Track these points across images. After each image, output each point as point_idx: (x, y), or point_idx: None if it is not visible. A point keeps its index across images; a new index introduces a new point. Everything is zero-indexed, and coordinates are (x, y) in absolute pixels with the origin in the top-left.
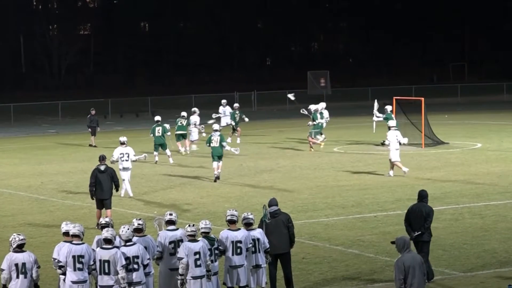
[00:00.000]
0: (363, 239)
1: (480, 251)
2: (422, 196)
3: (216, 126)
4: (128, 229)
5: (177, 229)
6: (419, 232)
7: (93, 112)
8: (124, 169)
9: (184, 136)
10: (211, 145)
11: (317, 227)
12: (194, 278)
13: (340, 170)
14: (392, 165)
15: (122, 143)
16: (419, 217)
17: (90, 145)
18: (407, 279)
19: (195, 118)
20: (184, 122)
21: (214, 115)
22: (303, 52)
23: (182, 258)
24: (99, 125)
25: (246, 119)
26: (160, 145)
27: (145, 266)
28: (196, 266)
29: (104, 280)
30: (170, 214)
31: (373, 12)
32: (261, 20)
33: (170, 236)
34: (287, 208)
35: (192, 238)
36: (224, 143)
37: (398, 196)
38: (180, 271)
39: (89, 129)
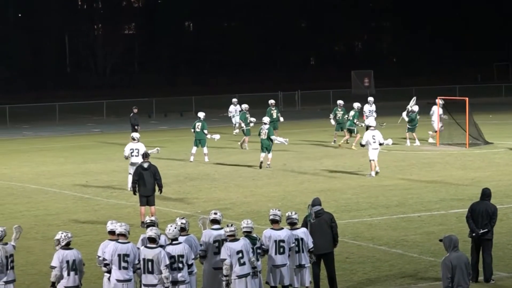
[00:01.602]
0: (407, 239)
1: None
2: (486, 194)
3: (265, 120)
4: (175, 228)
5: (221, 228)
6: (486, 230)
7: (135, 110)
8: (133, 164)
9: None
10: (260, 137)
11: (361, 226)
12: (239, 277)
13: (383, 169)
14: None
15: (133, 139)
16: (483, 215)
17: None
18: (454, 278)
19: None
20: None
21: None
22: (346, 51)
23: (225, 259)
24: (139, 124)
25: (282, 119)
26: (200, 140)
27: (189, 266)
28: (240, 265)
29: (148, 279)
30: (215, 213)
31: (417, 11)
32: (305, 19)
33: (214, 235)
34: (331, 207)
35: (233, 238)
36: (272, 136)
37: (442, 196)
38: (225, 272)
39: (136, 127)
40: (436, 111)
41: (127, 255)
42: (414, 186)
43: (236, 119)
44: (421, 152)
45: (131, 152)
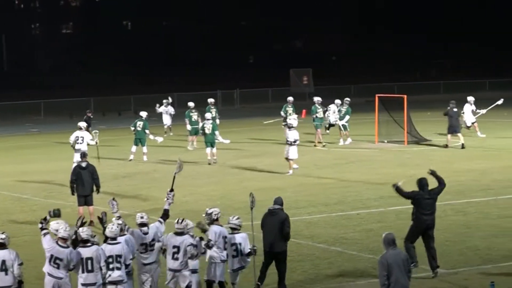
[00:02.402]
0: (346, 237)
1: (463, 248)
2: (424, 184)
3: (208, 115)
4: (116, 227)
5: (147, 232)
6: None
7: (89, 114)
8: (77, 151)
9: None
10: (205, 132)
11: (300, 224)
12: (170, 270)
13: (322, 167)
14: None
15: (80, 128)
16: (429, 204)
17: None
18: (391, 276)
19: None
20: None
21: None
22: (286, 50)
23: (159, 242)
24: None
25: (218, 121)
26: (140, 139)
27: (126, 266)
28: (173, 259)
29: (87, 278)
30: (141, 217)
31: (357, 10)
32: (245, 17)
33: (142, 238)
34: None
35: (179, 232)
36: (216, 132)
37: (381, 194)
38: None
39: (89, 127)
40: (468, 108)
41: (60, 259)
42: (353, 184)
43: (166, 119)
44: (360, 149)
45: (76, 140)
